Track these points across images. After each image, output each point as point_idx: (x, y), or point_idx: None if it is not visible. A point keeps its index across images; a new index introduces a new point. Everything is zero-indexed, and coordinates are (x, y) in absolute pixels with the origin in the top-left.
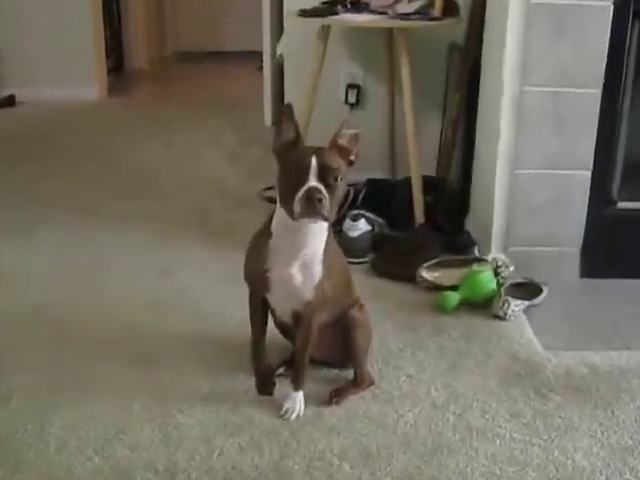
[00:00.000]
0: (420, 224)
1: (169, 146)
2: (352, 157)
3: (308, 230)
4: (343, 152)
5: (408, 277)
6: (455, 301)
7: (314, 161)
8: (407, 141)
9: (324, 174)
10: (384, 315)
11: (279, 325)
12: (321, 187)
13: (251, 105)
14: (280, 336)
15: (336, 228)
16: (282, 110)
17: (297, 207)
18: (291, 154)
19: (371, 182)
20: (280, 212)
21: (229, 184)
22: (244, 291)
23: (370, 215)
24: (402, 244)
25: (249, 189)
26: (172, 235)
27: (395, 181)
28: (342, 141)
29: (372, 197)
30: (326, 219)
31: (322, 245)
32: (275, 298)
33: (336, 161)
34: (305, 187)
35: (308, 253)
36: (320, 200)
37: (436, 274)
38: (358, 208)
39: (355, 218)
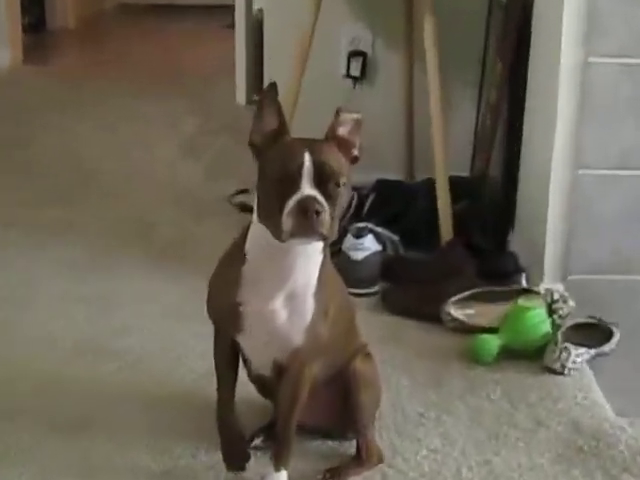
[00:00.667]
0: (447, 242)
1: (106, 133)
2: (355, 152)
3: (297, 252)
4: (344, 146)
5: (431, 315)
6: (494, 348)
7: (308, 160)
8: (431, 129)
9: (322, 178)
10: (399, 367)
11: (255, 379)
12: (319, 196)
13: (217, 77)
14: (257, 394)
15: (334, 248)
16: (263, 91)
17: (286, 224)
18: (275, 150)
19: (381, 185)
20: (258, 228)
21: (186, 186)
22: (208, 332)
23: (380, 230)
24: (423, 270)
25: (213, 193)
26: (109, 255)
27: (414, 184)
28: (343, 131)
29: (383, 205)
30: (325, 238)
31: (316, 271)
32: (250, 343)
33: (337, 159)
34: (297, 196)
35: (297, 283)
36: (318, 213)
37: (469, 311)
38: (364, 220)
39: (360, 234)
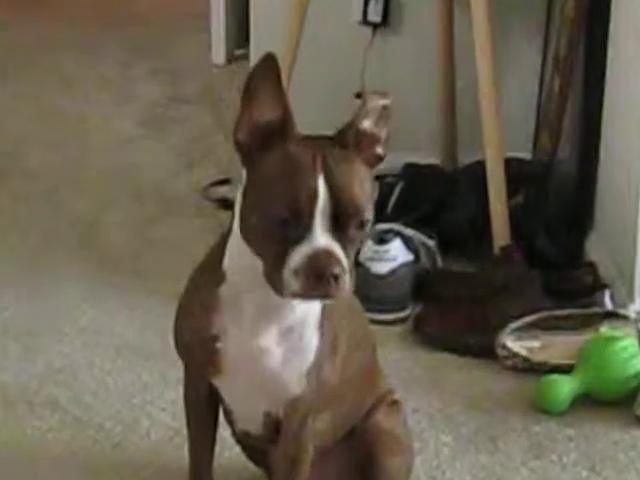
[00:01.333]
0: (502, 249)
1: (34, 102)
2: (379, 149)
3: None
4: (366, 145)
5: (481, 348)
6: (568, 393)
7: (323, 189)
8: (478, 95)
9: (342, 218)
10: (437, 419)
11: (241, 439)
12: (337, 248)
13: (187, 27)
14: (243, 459)
15: None
16: (255, 65)
17: (290, 284)
18: (275, 162)
19: (412, 172)
20: (241, 245)
21: (148, 174)
22: (177, 374)
23: (411, 233)
24: (469, 287)
25: (184, 184)
26: (40, 270)
27: (455, 170)
28: (367, 124)
29: (414, 200)
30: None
31: None
32: (233, 389)
33: (362, 183)
34: (307, 248)
35: (295, 311)
36: (336, 278)
37: (533, 343)
38: (389, 220)
39: (384, 239)
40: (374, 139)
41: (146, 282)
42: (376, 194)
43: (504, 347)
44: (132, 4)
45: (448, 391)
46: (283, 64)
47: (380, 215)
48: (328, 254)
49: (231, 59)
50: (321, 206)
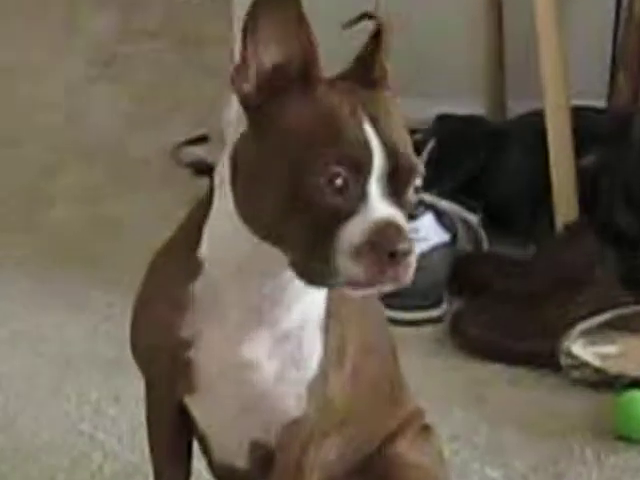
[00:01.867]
0: (567, 226)
1: None
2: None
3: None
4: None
5: (539, 356)
6: None
7: (374, 139)
8: (536, 27)
9: (400, 177)
10: (483, 449)
11: (221, 474)
12: (402, 219)
13: None
14: None
15: None
16: None
17: (347, 267)
18: (297, 106)
19: (447, 124)
20: (227, 218)
21: (101, 131)
22: (134, 392)
23: (447, 205)
24: (524, 275)
25: (147, 143)
26: None
27: (504, 122)
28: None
29: (450, 162)
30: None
31: (322, 294)
32: (211, 412)
33: (406, 131)
34: (367, 218)
35: (292, 314)
36: (407, 254)
37: (607, 349)
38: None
39: (411, 214)
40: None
41: (99, 273)
42: None
43: (570, 354)
44: None
45: (497, 412)
46: None
47: None
48: (395, 226)
49: None
50: (377, 162)
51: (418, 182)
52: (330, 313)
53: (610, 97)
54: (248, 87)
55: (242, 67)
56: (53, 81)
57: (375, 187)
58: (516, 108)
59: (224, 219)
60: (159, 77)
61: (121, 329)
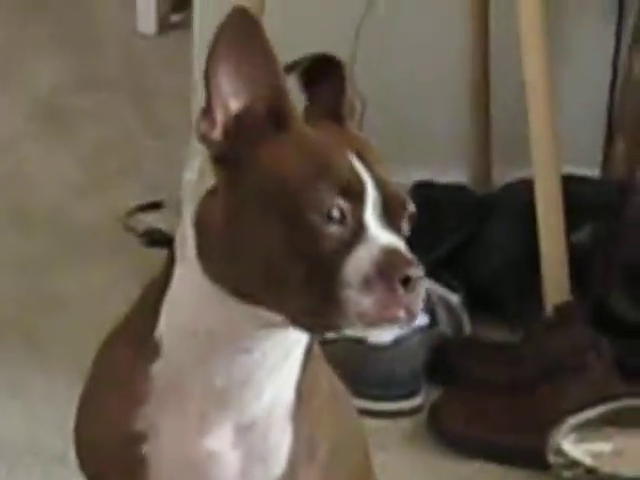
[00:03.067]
0: (558, 309)
1: None
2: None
3: (270, 340)
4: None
5: (526, 453)
6: None
7: (362, 169)
8: (526, 85)
9: (392, 208)
10: None
11: None
12: (404, 246)
13: None
14: None
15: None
16: (226, 21)
17: (357, 301)
18: (277, 150)
19: (426, 194)
20: (195, 295)
21: (45, 195)
22: None
23: (426, 283)
24: (509, 364)
25: (96, 209)
26: None
27: (489, 192)
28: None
29: (429, 234)
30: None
31: (295, 370)
32: None
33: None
34: (370, 247)
35: (261, 399)
36: (419, 281)
37: (602, 447)
38: None
39: None
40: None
41: (40, 356)
42: None
43: (560, 452)
44: None
45: None
46: None
47: None
48: (400, 253)
49: (164, 27)
50: (371, 193)
51: (412, 211)
52: (301, 399)
53: (605, 165)
54: (215, 134)
55: (207, 113)
56: None
57: (372, 217)
58: (502, 177)
59: (189, 291)
60: (108, 134)
61: (64, 416)
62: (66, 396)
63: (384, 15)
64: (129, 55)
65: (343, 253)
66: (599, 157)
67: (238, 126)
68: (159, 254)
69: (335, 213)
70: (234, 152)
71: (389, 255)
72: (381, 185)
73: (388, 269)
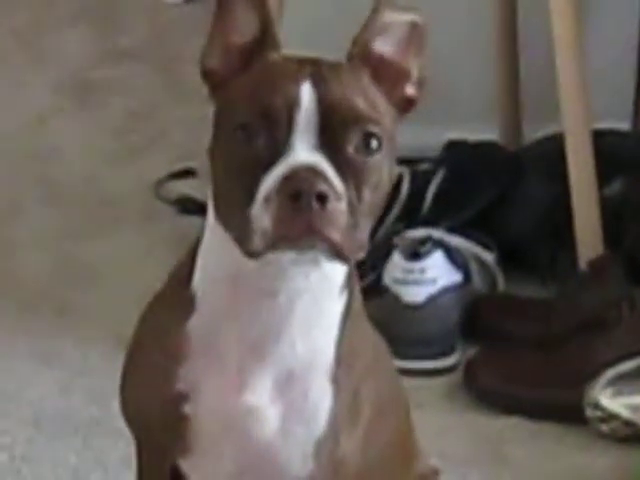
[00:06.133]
0: (592, 263)
1: None
2: (410, 88)
3: (293, 285)
4: (386, 75)
5: (564, 408)
6: None
7: (308, 94)
8: (554, 40)
9: (335, 131)
10: None
11: None
12: (325, 165)
13: None
14: None
15: (369, 279)
16: None
17: (260, 220)
18: (250, 77)
19: (458, 152)
20: (217, 240)
21: (74, 165)
22: (119, 454)
23: (458, 242)
24: (544, 320)
25: (127, 177)
26: None
27: (520, 149)
28: (384, 44)
29: (461, 193)
30: (341, 255)
31: (333, 330)
32: (208, 472)
33: (367, 96)
34: (283, 166)
35: (296, 351)
36: (323, 199)
37: (639, 399)
38: (426, 223)
39: (418, 252)
40: (400, 70)
41: (74, 326)
42: (406, 187)
43: (597, 406)
44: None
45: (518, 471)
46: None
47: (413, 217)
48: (310, 170)
49: None
50: (304, 112)
51: (372, 132)
52: (341, 363)
53: (635, 119)
54: (213, 62)
55: (210, 44)
56: (21, 106)
57: (301, 139)
58: (532, 133)
59: (212, 239)
60: (137, 104)
61: (99, 385)
62: (100, 365)
63: None
64: (155, 24)
65: (261, 172)
66: (630, 110)
67: (234, 56)
68: (192, 222)
69: (250, 133)
70: (224, 84)
71: (294, 171)
72: (325, 110)
73: (285, 185)
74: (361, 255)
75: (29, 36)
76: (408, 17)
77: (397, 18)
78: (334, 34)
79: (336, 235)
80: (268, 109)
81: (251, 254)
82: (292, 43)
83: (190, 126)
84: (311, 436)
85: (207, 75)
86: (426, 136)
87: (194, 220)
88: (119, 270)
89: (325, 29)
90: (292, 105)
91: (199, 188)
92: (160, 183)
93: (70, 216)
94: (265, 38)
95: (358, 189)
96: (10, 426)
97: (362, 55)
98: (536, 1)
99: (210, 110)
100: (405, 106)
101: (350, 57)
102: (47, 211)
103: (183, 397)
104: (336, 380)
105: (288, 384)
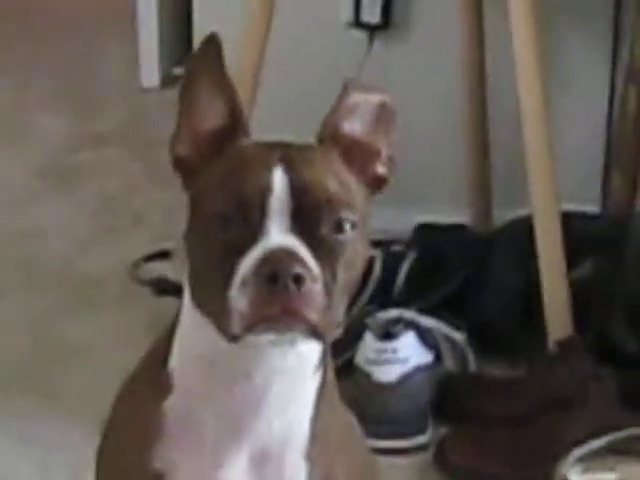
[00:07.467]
0: (560, 344)
1: None
2: (380, 167)
3: (268, 365)
4: (357, 156)
5: None
6: None
7: (280, 178)
8: (523, 124)
9: (308, 214)
10: None
11: None
12: (300, 247)
13: (106, 32)
14: None
15: (341, 357)
16: (195, 51)
17: (238, 302)
18: (222, 164)
19: (428, 235)
20: (193, 322)
21: (46, 248)
22: None
23: (429, 322)
24: (513, 399)
25: (103, 260)
26: None
27: (490, 232)
28: (353, 126)
29: (432, 274)
30: (317, 335)
31: (308, 408)
32: None
33: (338, 178)
34: (258, 250)
35: (272, 430)
36: (299, 281)
37: (607, 477)
38: (397, 304)
39: (391, 333)
40: (369, 151)
41: (51, 406)
42: (379, 268)
43: None
44: (32, 5)
45: None
46: (241, 89)
47: (385, 298)
48: (286, 252)
49: (167, 80)
50: (277, 197)
51: (344, 217)
52: (316, 440)
53: (604, 201)
54: (182, 149)
55: (179, 132)
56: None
57: (276, 224)
58: (502, 216)
59: (189, 322)
60: (115, 187)
61: (77, 466)
62: (80, 443)
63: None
64: (133, 108)
65: (238, 257)
66: (598, 192)
67: (202, 143)
68: (168, 303)
69: (235, 219)
70: (195, 171)
71: (269, 255)
72: (298, 194)
73: (261, 267)
74: (337, 334)
75: (9, 119)
76: (376, 98)
77: (365, 99)
78: (306, 115)
79: (313, 315)
80: (241, 196)
81: (230, 338)
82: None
83: (166, 208)
84: None
85: (178, 163)
86: (397, 219)
87: (170, 301)
88: (98, 350)
89: (297, 111)
90: (265, 191)
91: (175, 269)
92: (136, 265)
93: (48, 298)
94: (235, 124)
95: (332, 269)
96: None
97: (332, 136)
98: (505, 90)
99: (184, 194)
100: (376, 185)
101: (320, 139)
102: (25, 293)
103: (159, 477)
104: (310, 457)
105: (263, 462)
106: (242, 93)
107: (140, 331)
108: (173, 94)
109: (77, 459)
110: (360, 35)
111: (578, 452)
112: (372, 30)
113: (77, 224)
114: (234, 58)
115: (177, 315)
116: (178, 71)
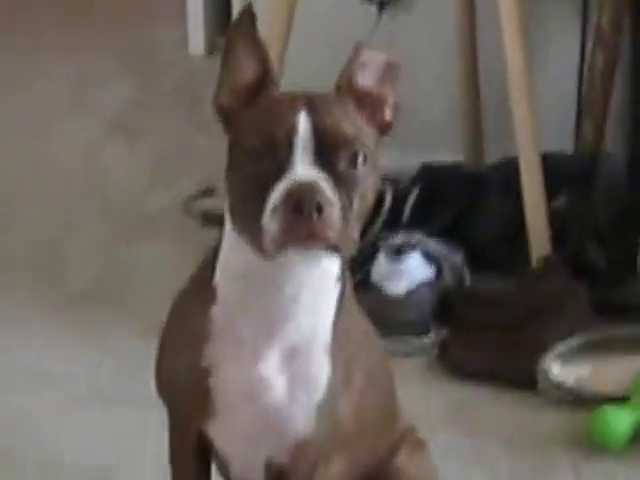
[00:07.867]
0: (541, 261)
1: None
2: (387, 114)
3: (298, 280)
4: (368, 104)
5: (518, 378)
6: (625, 427)
7: (304, 121)
8: (508, 81)
9: (329, 151)
10: (469, 460)
11: None
12: (321, 179)
13: (158, 13)
14: None
15: (358, 276)
16: (233, 22)
17: (270, 227)
18: (254, 111)
19: (430, 173)
20: (233, 244)
21: (117, 187)
22: (156, 423)
23: (432, 245)
24: (503, 306)
25: (161, 198)
26: None
27: (482, 169)
28: (365, 79)
29: (434, 206)
30: (337, 251)
31: (330, 313)
32: (228, 434)
33: (354, 122)
34: (286, 182)
35: (300, 330)
36: (319, 209)
37: (580, 370)
38: (405, 230)
39: (400, 253)
40: (378, 100)
41: (118, 317)
42: (389, 201)
43: (547, 376)
44: None
45: (481, 429)
46: (272, 52)
47: (394, 225)
48: (309, 184)
49: (212, 49)
50: (301, 137)
51: (359, 151)
52: (338, 335)
53: (576, 143)
54: (225, 97)
55: (222, 84)
56: (75, 139)
57: (300, 158)
58: (492, 156)
59: (229, 243)
60: (171, 140)
61: (142, 366)
62: (142, 350)
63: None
64: (184, 73)
65: (268, 188)
66: (571, 137)
67: (241, 93)
68: (213, 233)
69: (266, 154)
70: (233, 117)
71: (296, 187)
72: (319, 133)
73: (291, 198)
74: (353, 251)
75: (83, 84)
76: (383, 56)
77: (374, 56)
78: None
79: (332, 235)
80: (271, 136)
81: (264, 255)
82: (291, 82)
83: (211, 155)
84: (312, 400)
85: (219, 111)
86: (404, 160)
87: (215, 231)
88: (156, 271)
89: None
90: (291, 132)
91: (219, 204)
92: (187, 202)
93: (113, 230)
94: (266, 78)
95: (349, 197)
96: (60, 399)
97: (347, 87)
98: (495, 47)
99: (225, 142)
100: (384, 128)
101: (337, 89)
102: (94, 225)
103: (207, 372)
104: (332, 353)
105: (293, 357)
106: (273, 55)
107: (192, 255)
108: (217, 60)
109: (142, 361)
110: (370, 9)
111: (558, 349)
112: (381, 4)
113: (139, 168)
114: (266, 27)
115: (219, 240)
116: (220, 41)
